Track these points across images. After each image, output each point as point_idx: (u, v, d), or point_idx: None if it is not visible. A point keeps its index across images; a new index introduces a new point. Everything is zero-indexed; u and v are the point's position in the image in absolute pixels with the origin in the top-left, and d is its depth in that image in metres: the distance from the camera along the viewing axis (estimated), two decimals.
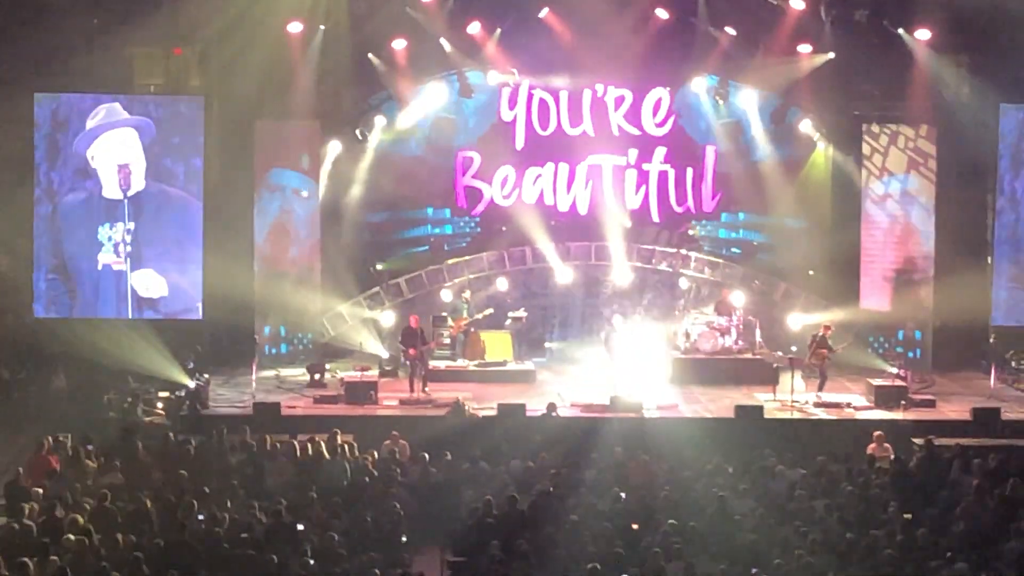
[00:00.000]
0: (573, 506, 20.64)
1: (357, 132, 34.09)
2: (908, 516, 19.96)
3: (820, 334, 29.66)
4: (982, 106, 32.23)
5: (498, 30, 33.11)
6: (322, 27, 32.09)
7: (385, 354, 32.08)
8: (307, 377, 31.02)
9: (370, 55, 32.87)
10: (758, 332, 32.43)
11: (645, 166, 34.98)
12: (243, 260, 32.67)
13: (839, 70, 33.10)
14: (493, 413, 27.27)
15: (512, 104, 34.74)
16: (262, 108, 32.59)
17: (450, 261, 34.37)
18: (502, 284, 33.98)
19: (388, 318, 33.58)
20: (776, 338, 32.74)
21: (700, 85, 34.40)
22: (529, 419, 26.96)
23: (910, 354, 32.71)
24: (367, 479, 22.29)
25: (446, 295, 33.64)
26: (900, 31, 32.17)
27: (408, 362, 29.97)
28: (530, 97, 34.65)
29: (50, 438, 23.62)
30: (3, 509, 21.56)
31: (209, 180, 31.93)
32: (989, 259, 32.65)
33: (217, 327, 32.34)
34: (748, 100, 34.21)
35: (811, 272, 34.64)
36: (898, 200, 33.52)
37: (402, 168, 34.99)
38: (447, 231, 35.45)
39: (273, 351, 32.99)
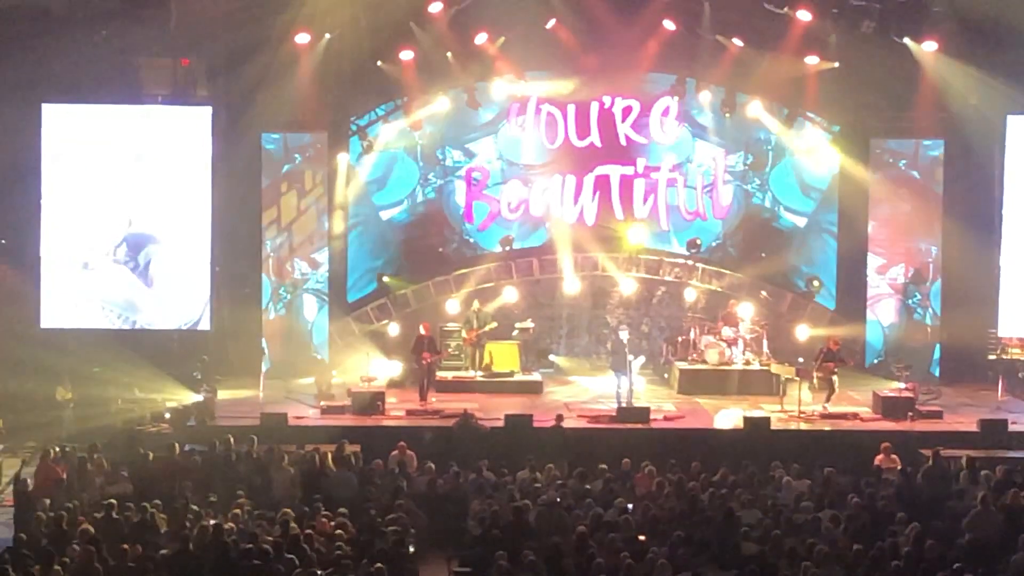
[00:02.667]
0: (580, 517, 20.64)
1: (363, 143, 34.13)
2: (915, 527, 19.92)
3: (827, 348, 29.64)
4: (989, 117, 32.20)
5: (502, 38, 33.04)
6: (328, 35, 32.07)
7: (397, 370, 31.90)
8: (315, 388, 31.01)
9: (380, 62, 32.86)
10: (765, 343, 32.42)
11: (654, 175, 34.95)
12: (251, 270, 32.70)
13: (846, 81, 33.09)
14: (500, 424, 27.27)
15: (519, 118, 34.72)
16: (269, 118, 32.61)
17: (456, 272, 34.35)
18: (511, 295, 33.87)
19: (394, 329, 33.58)
20: (783, 349, 32.68)
21: (707, 95, 34.40)
22: (536, 430, 26.96)
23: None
24: (374, 490, 22.29)
25: (453, 306, 33.57)
26: (907, 42, 32.15)
27: (420, 368, 30.00)
28: (538, 111, 34.62)
29: (57, 448, 23.67)
30: (11, 518, 21.62)
31: (216, 190, 31.94)
32: (997, 270, 32.57)
33: (225, 338, 32.33)
34: (755, 110, 34.18)
35: (816, 283, 34.62)
36: (906, 211, 33.55)
37: (409, 177, 35.04)
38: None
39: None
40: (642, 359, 31.81)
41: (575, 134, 34.69)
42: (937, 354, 33.22)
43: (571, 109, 34.62)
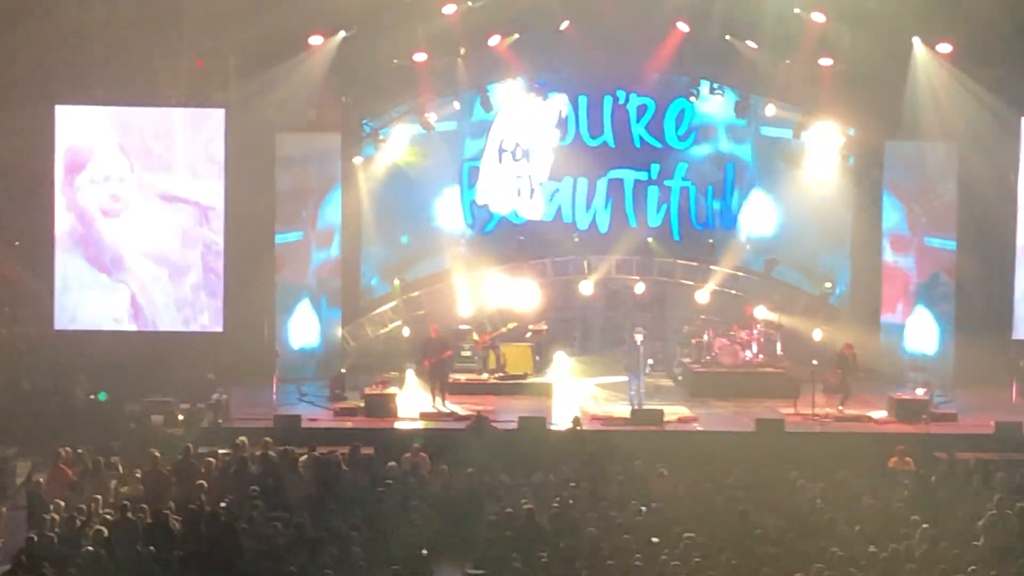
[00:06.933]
0: (593, 519, 20.63)
1: (377, 145, 34.16)
2: (928, 529, 19.90)
3: (841, 353, 29.62)
4: (1004, 119, 32.13)
5: (515, 35, 33.00)
6: (343, 33, 32.06)
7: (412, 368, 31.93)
8: (328, 389, 31.01)
9: (395, 60, 32.85)
10: (779, 345, 32.38)
11: (667, 182, 34.91)
12: (265, 271, 32.73)
13: (860, 84, 33.05)
14: (514, 426, 27.25)
15: (527, 113, 34.67)
16: (283, 120, 32.65)
17: (470, 274, 34.31)
18: (525, 297, 33.82)
19: (407, 332, 33.64)
20: (797, 351, 32.63)
21: (719, 98, 34.35)
22: (549, 432, 26.95)
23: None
24: (387, 492, 22.28)
25: (465, 308, 33.56)
26: (922, 44, 32.12)
27: (423, 370, 30.02)
28: (548, 107, 34.56)
29: (68, 449, 23.67)
30: (24, 520, 21.66)
31: (230, 192, 31.94)
32: (1012, 273, 32.48)
33: (238, 339, 32.32)
34: (769, 113, 34.16)
35: (827, 284, 34.64)
36: (920, 213, 33.47)
37: (422, 180, 35.09)
38: None
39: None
40: (650, 361, 31.79)
41: (587, 131, 34.65)
42: (952, 356, 33.10)
43: (583, 102, 34.58)
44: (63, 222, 31.63)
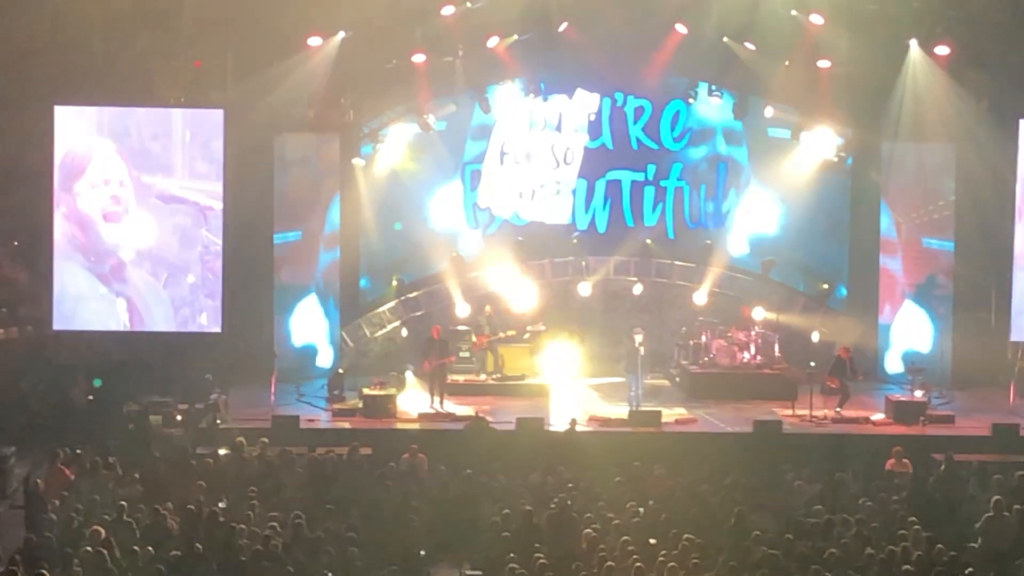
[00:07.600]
0: (591, 520, 20.64)
1: (375, 146, 34.15)
2: (922, 529, 19.92)
3: (838, 356, 29.63)
4: (1001, 121, 32.15)
5: (514, 36, 33.02)
6: (342, 33, 32.05)
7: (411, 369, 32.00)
8: (327, 390, 31.02)
9: (394, 61, 32.87)
10: (777, 347, 32.38)
11: (663, 183, 34.95)
12: (264, 272, 32.73)
13: (858, 86, 33.06)
14: (512, 427, 27.26)
15: (528, 116, 34.71)
16: (282, 121, 32.64)
17: (469, 275, 34.33)
18: (523, 298, 33.83)
19: (405, 332, 33.68)
20: (795, 353, 32.64)
21: (718, 100, 34.35)
22: (547, 433, 26.97)
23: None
24: (385, 493, 22.30)
25: (463, 309, 33.58)
26: (919, 48, 32.15)
27: (424, 371, 30.07)
28: (547, 110, 34.61)
29: (67, 449, 23.68)
30: (22, 520, 21.67)
31: (229, 193, 31.94)
32: (1010, 274, 32.48)
33: (236, 340, 32.34)
34: (767, 115, 34.14)
35: (825, 286, 34.66)
36: (917, 215, 33.49)
37: (421, 181, 35.07)
38: None
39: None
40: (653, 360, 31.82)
41: (587, 133, 34.69)
42: (950, 358, 33.11)
43: (582, 107, 34.60)
44: (60, 229, 31.57)
